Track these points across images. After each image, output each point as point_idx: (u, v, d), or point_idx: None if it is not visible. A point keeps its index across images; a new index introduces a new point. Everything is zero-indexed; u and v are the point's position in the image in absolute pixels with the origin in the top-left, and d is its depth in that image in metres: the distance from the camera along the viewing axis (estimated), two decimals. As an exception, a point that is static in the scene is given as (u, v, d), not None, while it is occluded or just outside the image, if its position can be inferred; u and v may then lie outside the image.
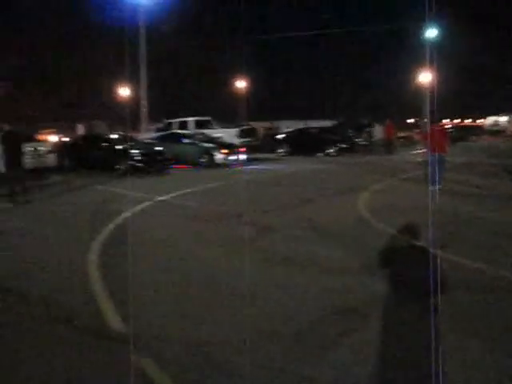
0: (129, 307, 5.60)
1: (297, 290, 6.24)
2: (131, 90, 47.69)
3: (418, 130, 47.55)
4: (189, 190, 15.60)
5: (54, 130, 51.52)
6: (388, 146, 31.63)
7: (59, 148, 23.89)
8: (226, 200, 13.60)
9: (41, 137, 40.04)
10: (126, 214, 11.40)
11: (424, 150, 17.78)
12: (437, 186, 14.19)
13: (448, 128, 40.95)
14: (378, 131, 30.63)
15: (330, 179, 18.65)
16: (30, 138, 20.63)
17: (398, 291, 6.17)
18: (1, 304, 5.96)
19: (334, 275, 6.79)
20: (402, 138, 43.68)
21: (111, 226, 10.14)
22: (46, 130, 51.60)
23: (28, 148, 18.89)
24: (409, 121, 79.75)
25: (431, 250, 7.36)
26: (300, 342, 4.85)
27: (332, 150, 30.77)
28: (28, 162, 18.13)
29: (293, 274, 6.89)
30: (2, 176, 14.55)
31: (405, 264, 7.33)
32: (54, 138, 39.37)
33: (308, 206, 12.45)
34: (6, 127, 14.59)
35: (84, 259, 7.70)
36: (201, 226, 10.26)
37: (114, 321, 5.40)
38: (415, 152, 30.75)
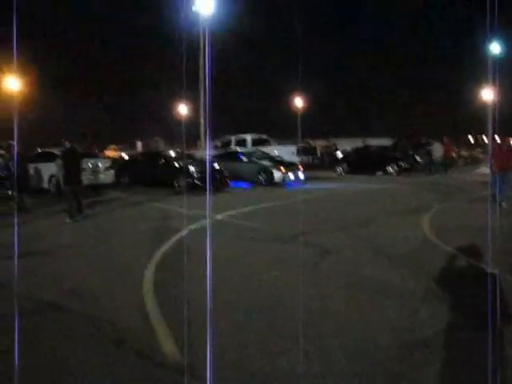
0: (184, 332, 5.27)
1: (361, 320, 5.75)
2: (191, 109, 48.09)
3: (481, 149, 46.22)
4: (247, 209, 15.26)
5: (117, 147, 52.56)
6: (447, 165, 30.73)
7: (118, 165, 24.07)
8: (285, 220, 13.18)
9: (106, 153, 40.79)
10: (182, 233, 11.13)
11: (489, 170, 17.18)
12: (503, 205, 13.77)
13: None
14: (438, 149, 29.70)
15: (392, 199, 17.98)
16: (89, 155, 20.76)
17: (467, 320, 5.61)
18: (52, 323, 5.67)
19: (399, 302, 6.25)
20: (465, 156, 42.51)
21: (166, 246, 9.86)
22: (111, 147, 52.72)
23: (87, 164, 19.04)
24: (471, 139, 77.88)
25: (502, 276, 6.81)
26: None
27: (392, 169, 30.01)
28: (86, 178, 18.25)
29: (358, 301, 6.39)
30: (60, 192, 14.70)
31: (473, 290, 6.71)
32: (114, 155, 40.01)
33: (370, 227, 11.90)
34: (68, 144, 14.63)
35: (139, 279, 7.41)
36: (258, 248, 9.86)
37: (168, 346, 5.06)
38: (479, 171, 29.73)
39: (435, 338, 5.16)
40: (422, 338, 5.20)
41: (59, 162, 14.46)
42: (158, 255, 9.01)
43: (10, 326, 5.64)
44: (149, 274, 7.76)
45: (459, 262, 8.38)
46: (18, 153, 16.61)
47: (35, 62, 45.15)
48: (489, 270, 7.61)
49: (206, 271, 7.84)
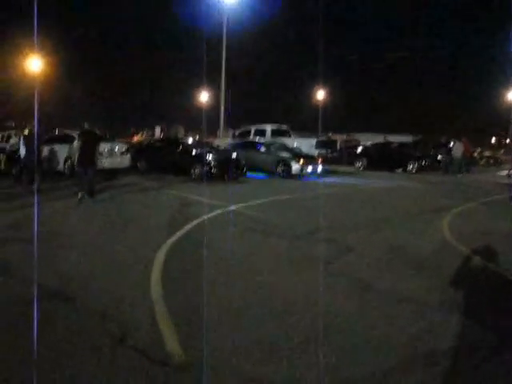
0: (191, 329, 5.01)
1: (377, 327, 5.42)
2: (212, 97, 48.02)
3: (504, 150, 45.58)
4: (263, 201, 14.95)
5: (139, 132, 52.60)
6: (465, 165, 30.30)
7: (134, 150, 23.89)
8: (301, 214, 12.84)
9: (128, 138, 40.81)
10: (195, 222, 10.87)
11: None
12: None
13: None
14: (458, 149, 29.24)
15: (412, 198, 17.57)
16: (106, 138, 20.57)
17: (488, 335, 5.26)
18: (52, 314, 5.42)
19: (418, 310, 5.91)
20: (488, 157, 41.96)
21: (178, 235, 9.59)
22: (132, 132, 52.81)
23: (103, 147, 18.88)
24: (494, 141, 77.10)
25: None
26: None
27: (411, 167, 29.57)
28: (102, 162, 18.12)
29: (374, 304, 6.06)
30: (74, 174, 14.57)
31: (496, 302, 6.37)
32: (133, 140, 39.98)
33: (388, 227, 11.51)
34: (86, 125, 14.49)
35: (147, 271, 7.13)
36: (273, 242, 9.53)
37: (173, 344, 4.77)
38: (501, 173, 29.22)
39: (452, 353, 4.84)
40: (438, 350, 4.88)
41: (76, 143, 14.34)
42: (167, 245, 8.72)
43: (9, 313, 5.43)
44: (157, 264, 7.47)
45: (479, 269, 8.01)
46: (28, 134, 16.41)
47: (57, 44, 45.18)
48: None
49: (216, 265, 7.59)
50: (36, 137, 16.12)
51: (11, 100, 49.06)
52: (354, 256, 8.53)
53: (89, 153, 14.13)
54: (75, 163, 14.40)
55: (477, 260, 8.41)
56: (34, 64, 38.01)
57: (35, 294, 5.86)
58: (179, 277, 6.95)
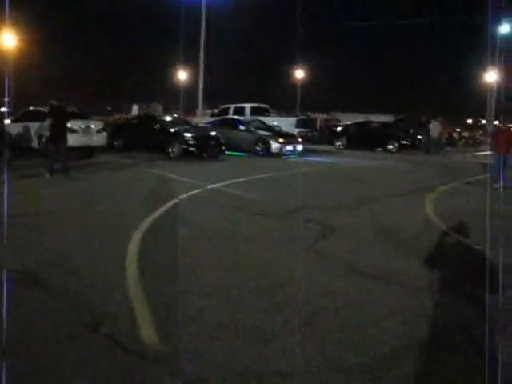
0: (168, 317, 4.65)
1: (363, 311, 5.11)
2: (191, 75, 47.38)
3: (481, 131, 45.69)
4: (243, 179, 14.57)
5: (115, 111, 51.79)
6: (442, 145, 30.40)
7: (111, 127, 23.34)
8: (283, 193, 12.51)
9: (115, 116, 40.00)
10: (173, 202, 10.47)
11: (489, 151, 17.19)
12: (500, 185, 14.04)
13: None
14: (435, 128, 29.22)
15: (393, 177, 17.36)
16: (79, 115, 19.97)
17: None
18: (22, 299, 5.01)
19: (407, 292, 5.61)
20: (466, 137, 42.03)
21: (156, 215, 9.18)
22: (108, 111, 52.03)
23: (79, 125, 18.44)
24: (469, 121, 77.43)
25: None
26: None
27: (392, 146, 29.41)
28: (77, 139, 17.72)
29: (363, 287, 5.74)
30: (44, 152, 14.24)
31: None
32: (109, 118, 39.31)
33: (372, 206, 11.22)
34: (54, 102, 14.12)
35: (123, 252, 6.74)
36: (255, 221, 9.18)
37: (149, 333, 4.41)
38: (479, 153, 29.28)
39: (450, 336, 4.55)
40: (435, 333, 4.58)
41: (47, 120, 13.99)
42: (145, 225, 8.31)
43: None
44: (134, 246, 7.08)
45: (463, 249, 7.75)
46: None
47: (32, 21, 44.05)
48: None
49: (196, 246, 7.22)
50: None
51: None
52: (339, 236, 8.23)
53: (60, 129, 13.91)
54: (47, 140, 14.10)
55: (461, 241, 8.15)
56: (7, 40, 36.94)
57: (3, 278, 5.44)
58: (158, 260, 6.56)
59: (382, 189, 13.89)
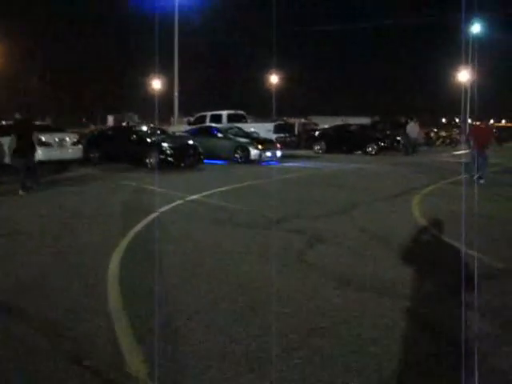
0: (154, 343, 4.34)
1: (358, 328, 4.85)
2: (165, 84, 47.10)
3: (458, 130, 45.96)
4: (223, 189, 14.27)
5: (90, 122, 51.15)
6: (416, 145, 30.61)
7: (87, 140, 22.87)
8: (265, 202, 12.22)
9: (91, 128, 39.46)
10: (153, 216, 10.13)
11: (467, 150, 17.43)
12: (475, 177, 15.26)
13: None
14: (413, 129, 29.35)
15: (375, 180, 17.18)
16: (53, 129, 19.52)
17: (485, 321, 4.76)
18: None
19: (402, 302, 5.36)
20: (444, 137, 42.26)
21: (135, 230, 8.83)
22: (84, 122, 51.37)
23: (53, 139, 18.04)
24: (443, 120, 78.07)
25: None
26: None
27: (371, 149, 29.35)
28: (52, 153, 17.34)
29: (358, 300, 5.48)
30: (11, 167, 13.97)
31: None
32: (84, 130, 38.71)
33: (357, 212, 11.00)
34: (18, 115, 13.89)
35: (102, 272, 6.39)
36: (239, 234, 8.86)
37: (135, 361, 4.10)
38: (457, 152, 29.37)
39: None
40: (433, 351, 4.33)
41: (12, 136, 13.70)
42: (124, 242, 7.96)
43: None
44: (114, 264, 6.73)
45: (454, 253, 7.55)
46: None
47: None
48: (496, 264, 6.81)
49: (179, 262, 6.91)
50: None
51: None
52: (326, 245, 7.97)
53: (26, 143, 13.60)
54: (10, 155, 13.80)
55: (452, 244, 7.94)
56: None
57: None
58: (139, 282, 6.22)
59: (366, 193, 13.66)
